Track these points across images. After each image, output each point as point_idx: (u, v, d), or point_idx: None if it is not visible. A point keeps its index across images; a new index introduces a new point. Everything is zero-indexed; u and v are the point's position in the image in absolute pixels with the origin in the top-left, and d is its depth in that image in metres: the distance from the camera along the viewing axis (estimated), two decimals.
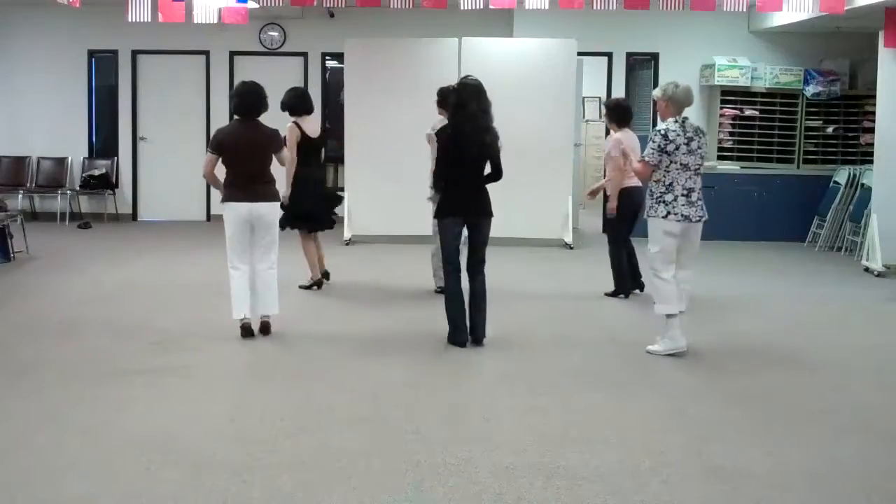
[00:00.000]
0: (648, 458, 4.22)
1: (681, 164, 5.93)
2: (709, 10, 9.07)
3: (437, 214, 6.28)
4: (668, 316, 6.03)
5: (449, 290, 6.20)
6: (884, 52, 9.33)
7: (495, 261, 9.97)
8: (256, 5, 9.90)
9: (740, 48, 12.10)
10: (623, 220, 7.82)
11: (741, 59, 11.86)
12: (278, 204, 6.41)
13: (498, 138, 6.17)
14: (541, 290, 7.92)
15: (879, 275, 9.22)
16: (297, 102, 7.83)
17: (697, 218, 5.99)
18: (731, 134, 12.02)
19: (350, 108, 11.05)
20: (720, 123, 11.95)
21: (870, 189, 9.88)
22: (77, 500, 3.74)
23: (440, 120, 7.16)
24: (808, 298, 8.33)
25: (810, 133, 11.96)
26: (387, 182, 10.85)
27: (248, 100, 6.28)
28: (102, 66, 13.11)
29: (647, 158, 6.00)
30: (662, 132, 5.96)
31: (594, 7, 8.88)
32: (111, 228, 12.14)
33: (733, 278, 9.13)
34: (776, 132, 11.96)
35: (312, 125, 7.90)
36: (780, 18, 11.08)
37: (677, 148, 5.91)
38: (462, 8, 8.80)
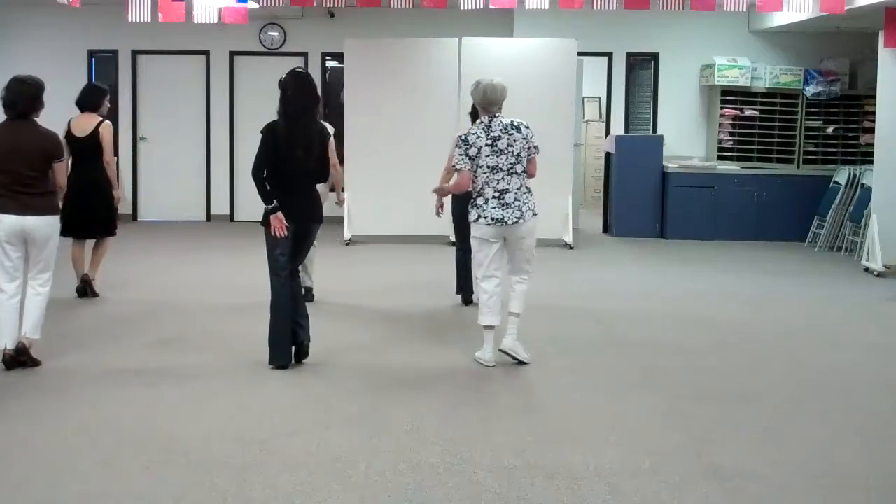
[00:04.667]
0: (648, 458, 4.22)
1: (488, 167, 5.59)
2: (709, 10, 9.07)
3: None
4: (485, 327, 5.71)
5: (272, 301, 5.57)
6: (884, 52, 9.32)
7: None
8: (256, 5, 9.90)
9: (740, 48, 12.09)
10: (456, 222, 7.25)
11: (741, 59, 11.85)
12: (55, 218, 5.61)
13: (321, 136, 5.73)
14: (540, 289, 7.90)
15: (879, 275, 9.21)
16: (79, 97, 7.75)
17: (514, 220, 5.58)
18: (731, 134, 12.01)
19: (350, 108, 11.05)
20: (720, 123, 11.94)
21: (870, 189, 9.88)
22: (77, 500, 3.74)
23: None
24: (808, 298, 8.32)
25: (810, 133, 11.94)
26: (387, 182, 10.85)
27: (13, 96, 5.57)
28: (102, 66, 13.09)
29: (459, 167, 5.69)
30: (463, 137, 5.70)
31: (594, 7, 8.87)
32: None
33: (733, 278, 9.13)
34: (776, 132, 11.94)
35: (85, 122, 7.62)
36: (780, 18, 11.07)
37: (479, 151, 5.60)
38: (462, 8, 8.80)
